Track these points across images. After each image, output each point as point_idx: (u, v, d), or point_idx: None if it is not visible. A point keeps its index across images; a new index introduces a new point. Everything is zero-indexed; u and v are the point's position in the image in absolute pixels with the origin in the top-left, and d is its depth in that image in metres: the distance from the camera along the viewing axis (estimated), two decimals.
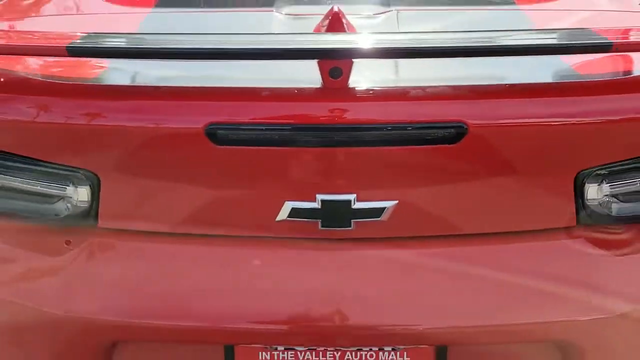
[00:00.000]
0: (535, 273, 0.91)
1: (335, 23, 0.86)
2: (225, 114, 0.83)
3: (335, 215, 0.87)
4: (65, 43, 0.81)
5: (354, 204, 0.86)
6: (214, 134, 0.82)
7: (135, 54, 0.86)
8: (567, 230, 0.92)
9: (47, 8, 1.34)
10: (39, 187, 0.93)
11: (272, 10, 1.16)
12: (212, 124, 0.82)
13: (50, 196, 0.93)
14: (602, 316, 0.88)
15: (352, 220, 0.87)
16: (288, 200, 0.87)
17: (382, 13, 1.14)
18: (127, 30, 1.08)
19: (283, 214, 0.87)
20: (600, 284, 0.90)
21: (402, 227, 0.89)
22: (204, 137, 0.82)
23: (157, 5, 1.26)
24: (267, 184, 0.88)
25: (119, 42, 0.88)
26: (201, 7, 1.29)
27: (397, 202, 0.86)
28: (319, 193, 0.86)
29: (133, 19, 1.22)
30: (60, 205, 0.93)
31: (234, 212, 0.90)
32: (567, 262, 0.91)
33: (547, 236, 0.92)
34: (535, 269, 0.91)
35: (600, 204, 0.90)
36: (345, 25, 0.86)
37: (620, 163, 0.89)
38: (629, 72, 0.95)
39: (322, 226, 0.88)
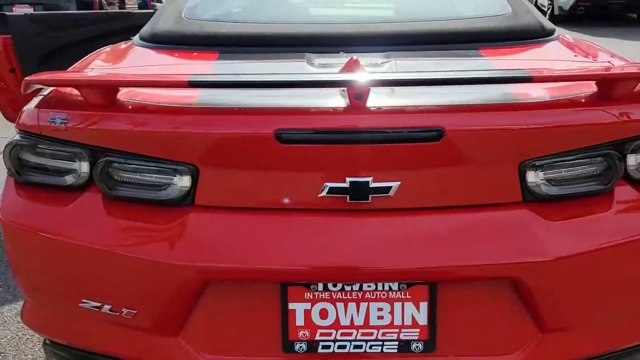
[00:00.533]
0: (495, 231, 1.33)
1: (355, 66, 1.32)
2: (287, 123, 1.28)
3: (358, 192, 1.30)
4: (184, 79, 1.27)
5: (371, 184, 1.29)
6: (280, 137, 1.26)
7: (235, 85, 1.32)
8: (516, 203, 1.35)
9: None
10: (156, 178, 1.36)
11: (304, 61, 1.62)
12: (278, 129, 1.26)
13: (165, 184, 1.36)
14: (539, 260, 1.30)
15: (370, 195, 1.30)
16: (327, 182, 1.30)
17: (385, 62, 1.61)
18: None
19: (323, 192, 1.30)
20: (538, 240, 1.32)
21: (403, 200, 1.31)
22: (273, 139, 1.26)
23: (218, 59, 1.72)
24: (313, 171, 1.30)
25: (223, 77, 1.34)
26: (249, 60, 1.75)
27: (399, 182, 1.30)
28: (348, 177, 1.29)
29: (205, 67, 1.69)
30: (169, 190, 1.36)
31: (290, 191, 1.32)
32: (515, 224, 1.33)
33: (503, 207, 1.34)
34: (494, 229, 1.33)
35: (536, 185, 1.34)
36: (362, 68, 1.32)
37: (549, 157, 1.33)
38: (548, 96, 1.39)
39: (349, 200, 1.31)
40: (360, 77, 1.26)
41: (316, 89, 1.33)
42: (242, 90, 1.38)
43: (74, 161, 1.41)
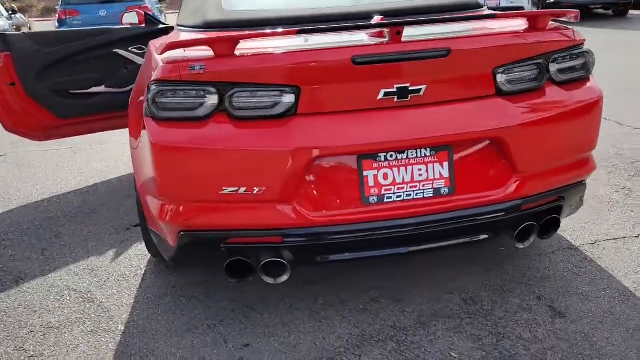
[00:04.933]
0: (483, 111, 2.17)
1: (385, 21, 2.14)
2: (358, 52, 2.05)
3: (402, 93, 2.10)
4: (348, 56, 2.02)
5: (410, 87, 2.10)
6: (354, 60, 2.04)
7: (330, 30, 2.10)
8: (492, 94, 2.20)
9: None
10: (270, 99, 2.08)
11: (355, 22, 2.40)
12: (354, 56, 2.04)
13: (275, 102, 2.08)
14: (510, 125, 2.15)
15: (409, 95, 2.11)
16: (382, 88, 2.09)
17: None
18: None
19: (380, 95, 2.09)
20: (508, 114, 2.18)
21: (429, 97, 2.12)
22: (350, 62, 2.04)
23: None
24: (373, 82, 2.08)
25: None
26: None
27: (426, 85, 2.11)
28: (395, 84, 2.09)
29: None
30: (279, 106, 2.08)
31: (360, 97, 2.09)
32: (494, 106, 2.18)
33: (485, 98, 2.19)
34: (483, 110, 2.17)
35: (502, 84, 2.20)
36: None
37: (509, 64, 2.19)
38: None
39: (396, 99, 2.11)
40: (396, 21, 2.08)
41: (369, 32, 2.13)
42: (324, 37, 2.14)
43: (205, 96, 2.09)
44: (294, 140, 2.05)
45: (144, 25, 4.36)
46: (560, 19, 2.41)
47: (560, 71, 2.30)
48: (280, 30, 2.12)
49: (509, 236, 2.36)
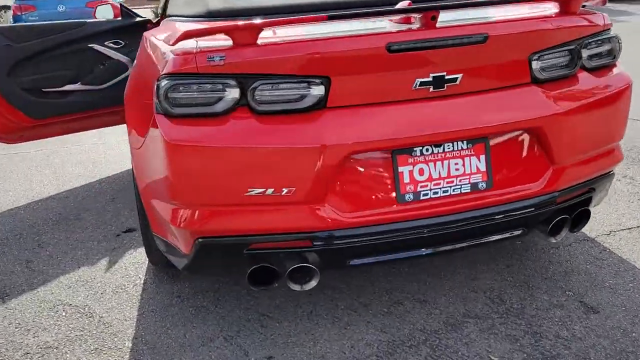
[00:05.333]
0: (521, 100, 2.06)
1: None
2: (393, 39, 1.90)
3: (437, 83, 1.96)
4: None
5: (446, 76, 1.96)
6: (389, 48, 1.89)
7: (362, 15, 1.93)
8: (527, 82, 2.09)
9: None
10: (297, 92, 1.91)
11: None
12: (388, 43, 1.89)
13: (303, 95, 1.92)
14: (549, 114, 2.05)
15: (445, 84, 1.97)
16: (417, 78, 1.95)
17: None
18: None
19: (415, 85, 1.95)
20: (544, 103, 2.07)
21: (465, 86, 1.99)
22: (384, 49, 1.89)
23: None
24: (408, 71, 1.94)
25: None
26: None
27: (462, 74, 1.98)
28: (431, 73, 1.95)
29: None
30: (307, 99, 1.92)
31: (394, 87, 1.95)
32: (532, 95, 2.07)
33: (521, 86, 2.08)
34: (520, 98, 2.06)
35: (539, 70, 2.09)
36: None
37: (546, 50, 2.08)
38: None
39: (432, 89, 1.97)
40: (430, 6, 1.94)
41: (395, 19, 1.98)
42: (354, 23, 1.98)
43: (225, 90, 1.91)
44: (326, 135, 1.89)
45: (119, 19, 4.11)
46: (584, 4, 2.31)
47: (591, 57, 2.21)
48: (308, 16, 1.94)
49: (541, 230, 2.25)
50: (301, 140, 1.89)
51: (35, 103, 3.75)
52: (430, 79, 1.95)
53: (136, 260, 2.99)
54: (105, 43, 3.94)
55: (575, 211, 2.25)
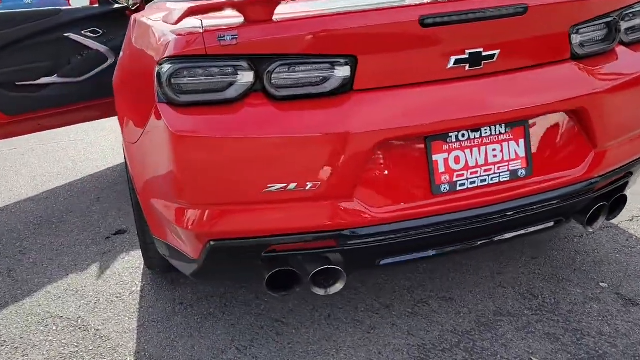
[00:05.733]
0: (557, 79, 1.87)
1: None
2: (428, 11, 1.69)
3: (474, 60, 1.76)
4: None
5: (483, 53, 1.77)
6: (422, 22, 1.68)
7: None
8: (567, 59, 1.90)
9: None
10: (320, 74, 1.70)
11: None
12: (422, 16, 1.68)
13: (326, 77, 1.70)
14: (592, 92, 1.87)
15: (482, 62, 1.78)
16: (452, 56, 1.74)
17: None
18: None
19: (450, 63, 1.75)
20: (585, 81, 1.89)
21: (502, 64, 1.79)
22: (417, 23, 1.68)
23: None
24: (444, 46, 1.74)
25: None
26: None
27: (500, 50, 1.78)
28: (466, 49, 1.75)
29: None
30: (331, 82, 1.70)
31: (427, 66, 1.74)
32: (567, 73, 1.89)
33: (560, 63, 1.89)
34: (556, 77, 1.87)
35: (579, 45, 1.91)
36: None
37: (586, 23, 1.90)
38: None
39: (468, 68, 1.77)
40: None
41: None
42: None
43: (237, 74, 1.69)
44: (354, 122, 1.68)
45: (97, 5, 3.84)
46: None
47: (629, 30, 2.03)
48: None
49: (578, 219, 2.08)
50: (326, 128, 1.68)
51: (8, 98, 3.46)
52: (466, 56, 1.75)
53: (130, 265, 2.75)
54: (83, 32, 3.67)
55: (612, 197, 2.09)
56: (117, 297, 2.50)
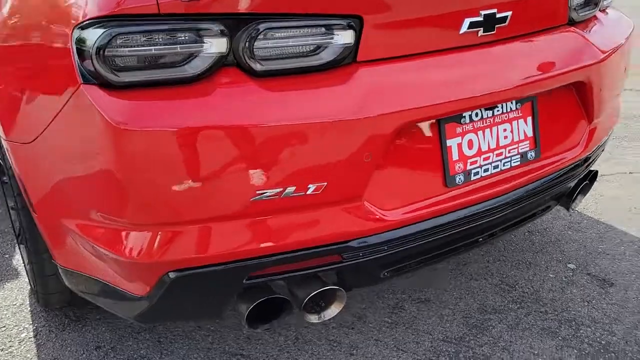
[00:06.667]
0: (562, 46, 1.65)
1: None
2: None
3: (489, 23, 1.46)
4: None
5: (497, 14, 1.48)
6: None
7: None
8: (564, 24, 1.69)
9: None
10: (314, 40, 1.28)
11: None
12: None
13: (322, 45, 1.29)
14: (594, 62, 1.68)
15: (495, 26, 1.49)
16: (467, 18, 1.43)
17: None
18: None
19: (464, 27, 1.43)
20: (587, 49, 1.70)
21: (513, 29, 1.53)
22: None
23: None
24: (457, 5, 1.41)
25: None
26: None
27: (512, 12, 1.51)
28: (481, 10, 1.45)
29: None
30: (328, 51, 1.30)
31: (439, 31, 1.41)
32: (569, 40, 1.68)
33: (560, 28, 1.67)
34: (561, 44, 1.65)
35: (575, 8, 1.70)
36: None
37: None
38: None
39: (482, 33, 1.47)
40: None
41: None
42: None
43: (204, 41, 1.22)
44: (365, 103, 1.30)
45: None
46: None
47: None
48: None
49: (564, 200, 1.92)
50: (330, 112, 1.28)
51: None
52: (480, 18, 1.45)
53: (9, 302, 2.10)
54: None
55: (590, 175, 1.95)
56: (2, 351, 1.86)
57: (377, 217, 1.38)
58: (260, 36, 1.23)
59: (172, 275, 1.32)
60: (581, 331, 1.87)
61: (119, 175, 1.21)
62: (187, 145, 1.19)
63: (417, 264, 1.57)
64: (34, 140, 1.44)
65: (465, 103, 1.43)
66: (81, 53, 1.19)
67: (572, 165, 1.73)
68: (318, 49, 1.30)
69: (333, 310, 1.50)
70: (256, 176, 1.25)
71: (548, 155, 1.67)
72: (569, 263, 2.23)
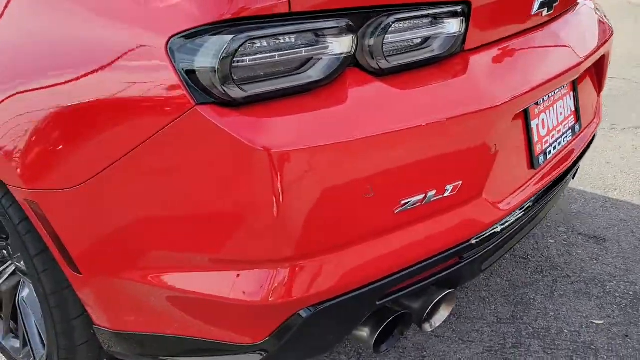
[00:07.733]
0: (586, 22, 1.73)
1: None
2: None
3: (550, 2, 1.48)
4: None
5: None
6: None
7: None
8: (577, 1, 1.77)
9: None
10: (426, 31, 1.19)
11: None
12: None
13: (435, 36, 1.21)
14: (609, 37, 1.78)
15: (553, 5, 1.50)
16: None
17: None
18: None
19: (535, 7, 1.43)
20: (602, 24, 1.80)
21: (560, 7, 1.56)
22: None
23: None
24: None
25: None
26: None
27: None
28: None
29: None
30: (440, 43, 1.22)
31: (517, 12, 1.39)
32: (587, 13, 1.76)
33: (576, 5, 1.75)
34: (585, 20, 1.73)
35: None
36: None
37: None
38: None
39: (546, 12, 1.48)
40: None
41: None
42: None
43: (328, 42, 1.08)
44: (487, 91, 1.25)
45: None
46: None
47: None
48: None
49: None
50: (459, 104, 1.20)
51: None
52: None
53: None
54: None
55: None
56: None
57: (493, 209, 1.33)
58: (391, 29, 1.11)
59: (303, 314, 1.15)
60: (607, 287, 2.00)
61: (267, 206, 1.01)
62: (340, 159, 1.04)
63: (505, 251, 1.55)
64: (83, 183, 1.16)
65: (547, 84, 1.43)
66: (215, 67, 0.97)
67: (594, 134, 1.83)
68: (429, 39, 1.20)
69: (442, 315, 1.42)
70: (400, 184, 1.13)
71: (584, 127, 1.75)
72: (558, 227, 2.37)
